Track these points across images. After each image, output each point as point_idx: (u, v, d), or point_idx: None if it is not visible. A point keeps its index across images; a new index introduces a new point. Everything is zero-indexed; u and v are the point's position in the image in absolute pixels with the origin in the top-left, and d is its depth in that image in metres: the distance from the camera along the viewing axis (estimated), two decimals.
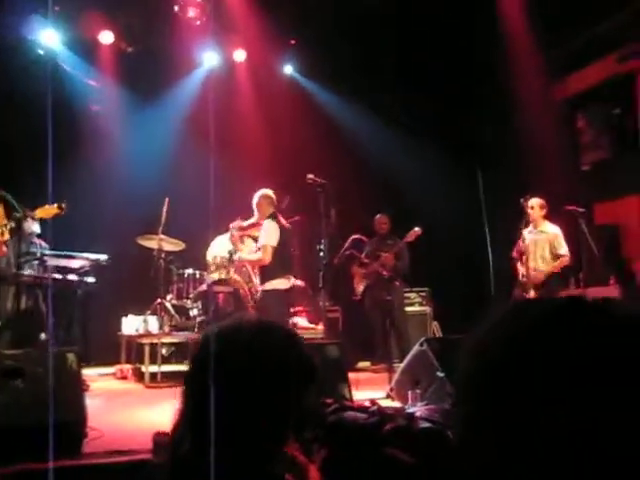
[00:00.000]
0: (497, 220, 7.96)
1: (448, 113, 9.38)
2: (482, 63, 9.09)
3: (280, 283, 6.63)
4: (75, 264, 7.13)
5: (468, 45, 9.11)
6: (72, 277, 7.09)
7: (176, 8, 9.19)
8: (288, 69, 10.76)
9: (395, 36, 9.46)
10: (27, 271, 6.78)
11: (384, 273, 7.77)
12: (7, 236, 5.00)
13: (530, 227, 7.44)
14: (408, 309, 8.71)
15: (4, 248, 5.20)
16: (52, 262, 6.99)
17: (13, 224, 4.93)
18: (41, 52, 7.45)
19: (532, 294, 7.06)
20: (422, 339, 5.38)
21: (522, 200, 7.33)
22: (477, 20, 8.84)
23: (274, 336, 1.50)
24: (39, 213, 4.97)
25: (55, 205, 5.02)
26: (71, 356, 3.94)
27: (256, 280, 7.18)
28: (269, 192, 7.02)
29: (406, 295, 8.80)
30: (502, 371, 0.88)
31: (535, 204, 7.39)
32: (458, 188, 9.03)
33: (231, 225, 7.29)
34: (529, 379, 0.85)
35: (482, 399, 0.88)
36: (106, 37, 9.65)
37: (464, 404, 0.92)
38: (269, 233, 6.72)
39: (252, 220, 7.04)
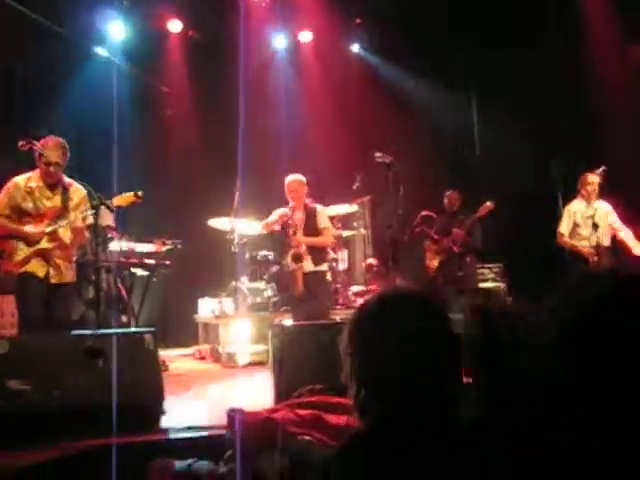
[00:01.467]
0: (572, 193, 7.77)
1: (518, 87, 9.12)
2: (554, 28, 8.79)
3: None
4: (152, 248, 7.32)
5: (541, 14, 8.83)
6: (149, 261, 7.28)
7: None
8: (355, 47, 10.70)
9: (465, 9, 9.26)
10: (105, 257, 7.00)
11: (455, 249, 7.67)
12: (90, 220, 5.20)
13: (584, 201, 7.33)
14: (482, 285, 8.59)
15: (87, 233, 5.40)
16: (130, 247, 7.20)
17: (90, 214, 5.12)
18: (105, 54, 7.59)
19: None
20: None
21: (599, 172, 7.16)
22: None
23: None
24: (116, 201, 5.13)
25: (132, 193, 5.17)
26: (148, 337, 4.06)
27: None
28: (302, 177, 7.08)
29: (480, 271, 8.67)
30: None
31: (598, 180, 7.28)
32: (530, 162, 8.82)
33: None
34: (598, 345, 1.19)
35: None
36: (175, 26, 9.83)
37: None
38: (327, 217, 7.07)
39: (291, 207, 7.04)
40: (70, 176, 5.39)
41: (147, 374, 3.94)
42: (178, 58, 9.98)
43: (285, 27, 10.32)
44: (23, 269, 5.03)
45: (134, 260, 7.20)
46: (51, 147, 5.07)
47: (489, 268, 8.90)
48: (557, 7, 8.67)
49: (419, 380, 1.49)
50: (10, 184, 5.16)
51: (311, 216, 6.93)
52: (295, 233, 6.83)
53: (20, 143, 4.94)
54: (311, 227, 6.91)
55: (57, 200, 5.19)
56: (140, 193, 5.20)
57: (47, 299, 5.16)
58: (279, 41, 10.40)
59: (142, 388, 3.87)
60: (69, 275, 5.27)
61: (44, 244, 5.07)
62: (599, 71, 8.53)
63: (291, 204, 6.95)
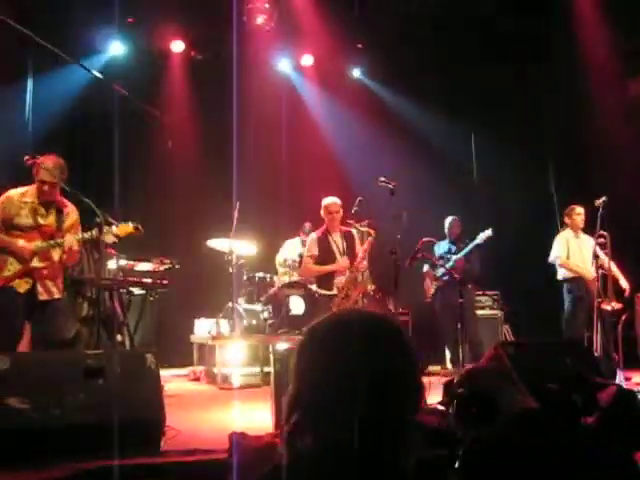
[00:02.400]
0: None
1: (520, 114, 9.20)
2: (555, 59, 8.89)
3: None
4: (149, 267, 7.29)
5: (541, 42, 8.93)
6: (146, 280, 7.25)
7: (244, 17, 9.31)
8: (356, 73, 10.78)
9: (462, 36, 9.37)
10: (103, 275, 6.96)
11: (455, 276, 7.68)
12: (77, 247, 5.14)
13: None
14: (479, 312, 8.58)
15: (78, 255, 5.35)
16: (127, 266, 7.17)
17: (94, 231, 5.07)
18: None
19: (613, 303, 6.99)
20: (496, 342, 5.29)
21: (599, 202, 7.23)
22: (550, 11, 8.67)
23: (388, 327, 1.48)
24: (117, 230, 5.11)
25: (132, 225, 5.14)
26: (150, 357, 4.03)
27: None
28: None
29: (477, 298, 8.67)
30: None
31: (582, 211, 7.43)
32: (530, 191, 8.88)
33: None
34: None
35: None
36: (177, 46, 9.89)
37: None
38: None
39: (322, 231, 7.07)
40: (69, 194, 5.29)
41: (148, 394, 3.90)
42: (180, 79, 10.03)
43: (287, 51, 10.40)
44: (6, 285, 4.94)
45: (131, 279, 7.17)
46: (49, 166, 4.99)
47: (487, 295, 8.91)
48: (558, 39, 8.77)
49: (350, 416, 1.33)
50: (3, 197, 5.08)
51: (350, 239, 6.91)
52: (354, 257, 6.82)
53: (25, 158, 4.93)
54: (351, 250, 6.88)
55: (51, 219, 5.13)
56: (140, 227, 5.18)
57: (34, 317, 5.06)
58: (282, 65, 10.47)
59: (143, 408, 3.82)
60: (56, 291, 5.16)
61: (35, 263, 5.00)
62: (598, 102, 8.61)
63: (321, 228, 6.99)
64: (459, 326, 7.59)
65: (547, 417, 1.73)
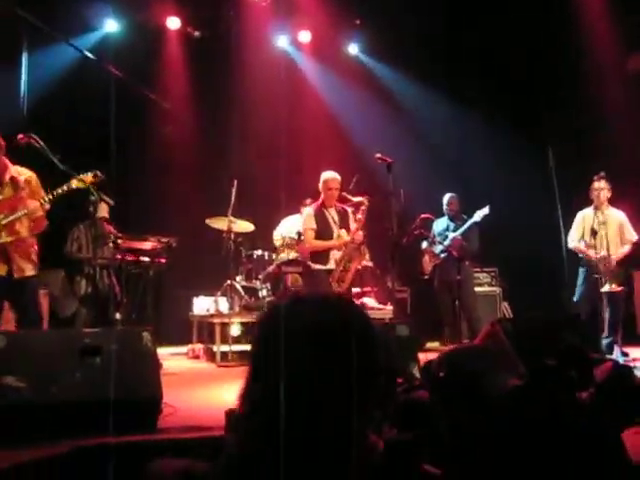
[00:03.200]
0: (569, 198, 7.76)
1: (519, 92, 9.12)
2: (555, 36, 8.79)
3: None
4: (147, 246, 7.28)
5: (541, 18, 8.83)
6: (144, 259, 7.24)
7: None
8: (353, 49, 10.69)
9: (462, 14, 9.27)
10: (101, 254, 6.96)
11: (453, 253, 7.67)
12: (47, 206, 5.02)
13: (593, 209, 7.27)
14: (477, 289, 8.59)
15: (45, 222, 5.18)
16: (124, 244, 7.15)
17: (91, 208, 5.00)
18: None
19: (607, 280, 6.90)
20: (493, 319, 5.29)
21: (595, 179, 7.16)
22: None
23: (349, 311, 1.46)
24: (75, 183, 4.94)
25: (89, 174, 4.99)
26: (146, 335, 4.02)
27: None
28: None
29: (475, 275, 8.68)
30: None
31: (604, 186, 7.22)
32: (528, 166, 8.83)
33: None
34: None
35: None
36: (173, 23, 9.79)
37: None
38: None
39: (318, 205, 7.01)
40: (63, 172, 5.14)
41: (145, 372, 3.90)
42: (176, 56, 9.94)
43: (285, 27, 10.31)
44: None
45: (129, 257, 7.16)
46: None
47: (485, 272, 8.91)
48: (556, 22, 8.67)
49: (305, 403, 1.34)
50: None
51: (344, 216, 6.89)
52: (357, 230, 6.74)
53: (19, 137, 4.84)
54: (345, 227, 6.86)
55: (7, 192, 5.00)
56: (99, 173, 5.04)
57: (11, 297, 5.00)
58: (280, 41, 10.39)
59: (140, 386, 3.82)
60: (30, 267, 5.07)
61: (3, 238, 4.89)
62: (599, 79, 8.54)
63: (317, 202, 6.91)
64: (457, 303, 7.59)
65: (533, 392, 1.71)
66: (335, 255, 6.75)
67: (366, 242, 6.94)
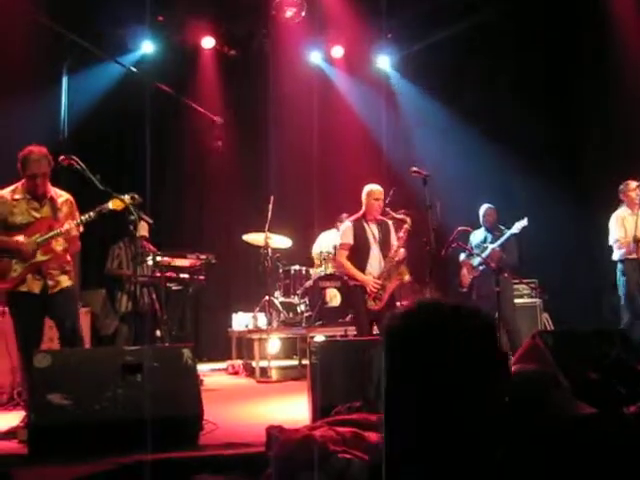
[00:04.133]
0: (606, 206, 7.65)
1: (553, 108, 9.04)
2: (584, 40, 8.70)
3: None
4: (186, 263, 7.35)
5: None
6: (184, 276, 7.31)
7: (273, 11, 9.32)
8: (386, 63, 10.70)
9: (493, 23, 9.24)
10: (141, 271, 7.04)
11: (491, 265, 7.58)
12: (81, 229, 5.10)
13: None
14: (517, 301, 8.47)
15: (79, 243, 5.24)
16: (164, 262, 7.23)
17: (91, 213, 5.02)
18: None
19: None
20: (534, 332, 5.21)
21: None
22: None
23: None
24: (111, 205, 5.00)
25: (127, 196, 5.04)
26: (187, 352, 4.06)
27: None
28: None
29: (515, 287, 8.56)
30: None
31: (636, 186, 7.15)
32: (565, 175, 8.74)
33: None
34: None
35: None
36: (208, 42, 9.93)
37: None
38: None
39: (356, 219, 6.95)
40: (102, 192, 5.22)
41: (186, 389, 3.94)
42: (211, 74, 10.07)
43: (317, 43, 10.38)
44: (17, 289, 4.87)
45: (169, 274, 7.24)
46: (35, 158, 4.90)
47: (525, 284, 8.80)
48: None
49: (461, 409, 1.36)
50: None
51: (385, 229, 6.69)
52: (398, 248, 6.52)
53: (61, 158, 4.93)
54: (386, 240, 6.65)
55: (46, 211, 5.02)
56: (136, 196, 5.08)
57: (48, 311, 5.00)
58: (313, 57, 10.47)
59: (181, 403, 3.86)
60: (65, 279, 5.06)
61: (39, 257, 4.91)
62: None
63: (357, 215, 6.73)
64: (496, 315, 7.49)
65: (601, 419, 1.68)
66: (372, 269, 6.65)
67: (405, 260, 6.78)
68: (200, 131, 8.80)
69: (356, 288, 6.56)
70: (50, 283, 4.94)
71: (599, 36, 8.56)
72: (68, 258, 5.13)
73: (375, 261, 6.62)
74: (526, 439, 1.71)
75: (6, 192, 4.99)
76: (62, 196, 5.13)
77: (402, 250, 6.56)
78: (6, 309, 5.26)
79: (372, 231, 6.64)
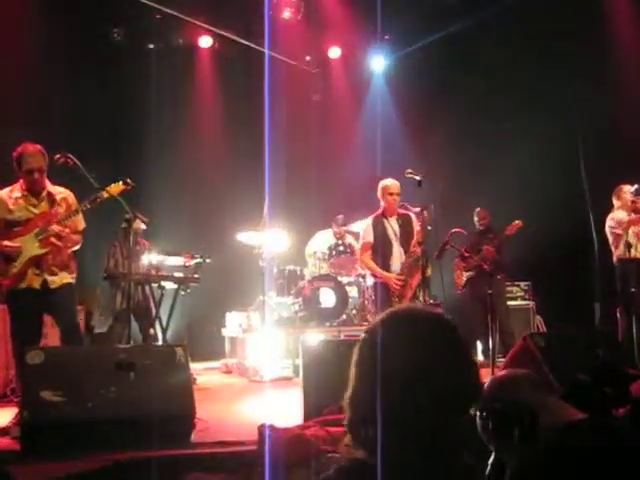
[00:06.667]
0: (602, 209, 7.68)
1: (553, 109, 9.04)
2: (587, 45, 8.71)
3: None
4: (180, 262, 7.36)
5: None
6: (178, 274, 7.32)
7: (271, 11, 9.33)
8: (383, 64, 10.73)
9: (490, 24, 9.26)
10: (136, 269, 7.05)
11: (485, 267, 7.62)
12: (83, 224, 5.14)
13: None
14: (510, 303, 8.51)
15: (80, 238, 5.26)
16: (159, 260, 7.24)
17: (124, 224, 5.08)
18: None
19: None
20: (525, 334, 5.24)
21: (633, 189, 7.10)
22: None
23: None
24: (110, 191, 5.01)
25: (121, 182, 5.06)
26: (180, 350, 4.08)
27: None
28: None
29: (508, 289, 8.60)
30: None
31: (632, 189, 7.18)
32: (560, 177, 8.75)
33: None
34: None
35: None
36: (205, 41, 9.95)
37: None
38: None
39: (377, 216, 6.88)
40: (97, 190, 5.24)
41: (178, 387, 3.96)
42: (208, 74, 10.09)
43: (315, 43, 10.40)
44: (17, 285, 4.91)
45: (163, 273, 7.25)
46: (30, 153, 4.93)
47: (518, 286, 8.84)
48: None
49: (425, 415, 1.38)
50: None
51: (407, 223, 6.64)
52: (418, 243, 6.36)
53: (57, 157, 4.94)
54: (408, 235, 6.58)
55: (44, 207, 5.05)
56: (129, 181, 5.09)
57: (48, 307, 5.03)
58: (310, 57, 10.50)
59: (173, 401, 3.88)
60: (65, 275, 5.09)
61: (36, 250, 4.93)
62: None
63: (376, 213, 6.72)
64: (489, 317, 7.52)
65: (592, 425, 1.70)
66: (395, 266, 6.57)
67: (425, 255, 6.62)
68: (194, 126, 8.86)
69: (381, 286, 6.53)
70: (50, 278, 4.97)
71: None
72: (69, 252, 5.16)
73: (397, 258, 6.57)
74: (532, 448, 1.73)
75: (4, 192, 5.06)
76: (61, 193, 5.17)
77: (418, 246, 6.44)
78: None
79: (393, 227, 6.60)
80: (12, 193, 5.03)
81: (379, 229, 6.59)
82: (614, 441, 1.62)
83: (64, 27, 8.06)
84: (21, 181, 5.03)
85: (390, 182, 6.63)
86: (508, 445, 1.81)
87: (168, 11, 9.13)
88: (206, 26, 9.67)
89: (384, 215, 6.65)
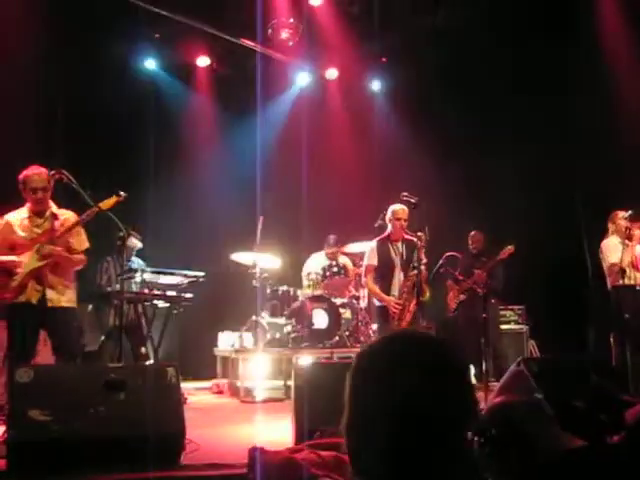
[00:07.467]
0: (595, 234, 7.68)
1: (547, 129, 9.06)
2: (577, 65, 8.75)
3: None
4: (173, 281, 7.32)
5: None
6: (171, 293, 7.28)
7: (269, 31, 9.38)
8: (380, 86, 10.79)
9: (487, 50, 9.31)
10: (128, 287, 7.01)
11: (478, 290, 7.61)
12: (86, 245, 5.20)
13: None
14: (503, 327, 8.50)
15: (84, 259, 5.30)
16: (151, 279, 7.20)
17: (118, 242, 5.11)
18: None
19: None
20: (519, 359, 5.20)
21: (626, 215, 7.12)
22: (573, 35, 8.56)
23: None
24: (103, 206, 5.07)
25: (113, 195, 5.11)
26: (171, 370, 4.04)
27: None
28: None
29: (502, 313, 8.59)
30: None
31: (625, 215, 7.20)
32: (554, 202, 8.77)
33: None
34: None
35: None
36: (203, 61, 10.01)
37: None
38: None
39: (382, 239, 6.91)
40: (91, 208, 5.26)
41: (169, 408, 3.91)
42: (205, 93, 10.14)
43: (312, 64, 10.46)
44: (17, 299, 4.96)
45: (156, 292, 7.20)
46: (35, 173, 5.05)
47: (511, 310, 8.82)
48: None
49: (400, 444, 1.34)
50: (2, 221, 5.15)
51: (412, 248, 6.64)
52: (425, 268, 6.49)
53: (51, 173, 5.00)
54: (409, 262, 6.59)
55: (47, 226, 5.14)
56: (122, 193, 5.14)
57: (45, 325, 5.05)
58: (306, 78, 10.54)
59: (163, 422, 3.83)
60: (65, 298, 5.13)
61: (34, 263, 4.97)
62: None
63: (382, 235, 6.78)
64: (482, 341, 7.50)
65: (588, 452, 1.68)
66: (395, 290, 6.62)
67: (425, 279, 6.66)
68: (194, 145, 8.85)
69: (381, 309, 6.61)
70: (49, 294, 4.97)
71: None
72: (70, 272, 5.19)
73: (398, 282, 6.63)
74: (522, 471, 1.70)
75: (11, 216, 5.18)
76: (65, 214, 5.24)
77: (422, 268, 6.50)
78: None
79: (397, 251, 6.66)
80: (19, 214, 5.17)
81: (384, 252, 6.66)
82: (611, 469, 1.60)
83: (65, 43, 8.06)
84: (28, 204, 5.15)
85: (399, 207, 6.72)
86: (506, 470, 1.78)
87: (166, 30, 9.21)
88: (204, 45, 9.75)
89: (389, 239, 6.73)
